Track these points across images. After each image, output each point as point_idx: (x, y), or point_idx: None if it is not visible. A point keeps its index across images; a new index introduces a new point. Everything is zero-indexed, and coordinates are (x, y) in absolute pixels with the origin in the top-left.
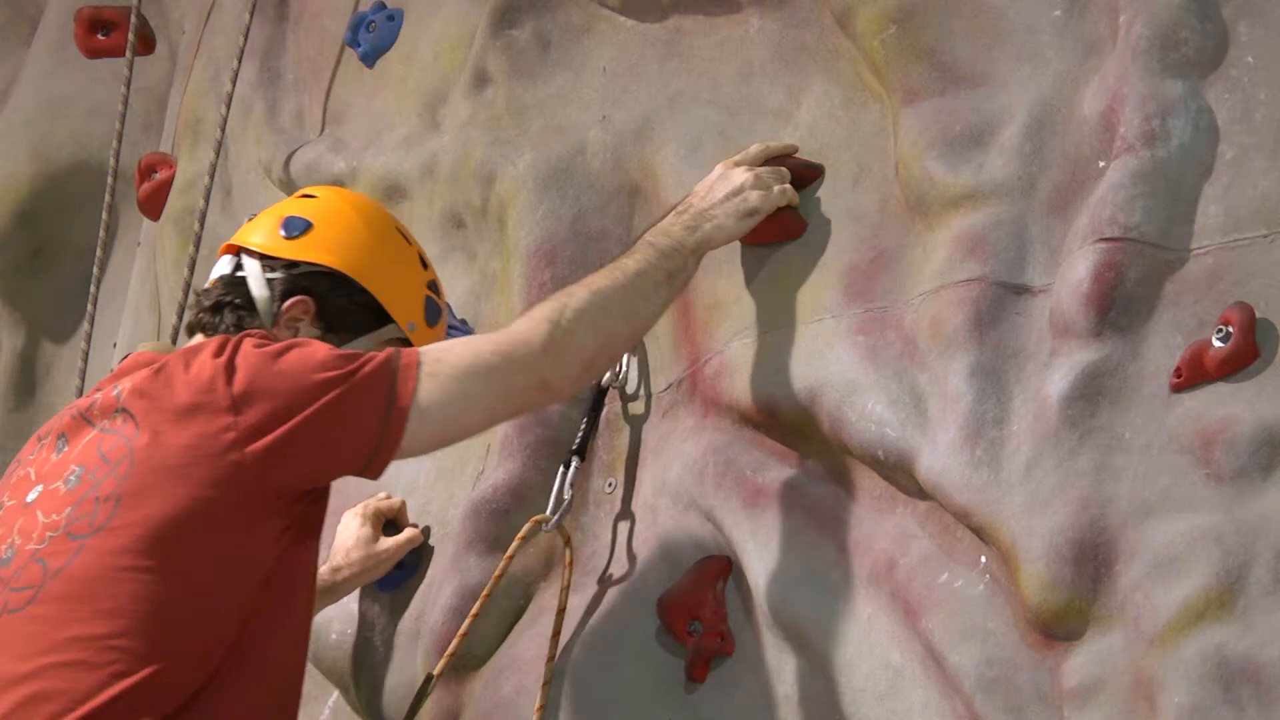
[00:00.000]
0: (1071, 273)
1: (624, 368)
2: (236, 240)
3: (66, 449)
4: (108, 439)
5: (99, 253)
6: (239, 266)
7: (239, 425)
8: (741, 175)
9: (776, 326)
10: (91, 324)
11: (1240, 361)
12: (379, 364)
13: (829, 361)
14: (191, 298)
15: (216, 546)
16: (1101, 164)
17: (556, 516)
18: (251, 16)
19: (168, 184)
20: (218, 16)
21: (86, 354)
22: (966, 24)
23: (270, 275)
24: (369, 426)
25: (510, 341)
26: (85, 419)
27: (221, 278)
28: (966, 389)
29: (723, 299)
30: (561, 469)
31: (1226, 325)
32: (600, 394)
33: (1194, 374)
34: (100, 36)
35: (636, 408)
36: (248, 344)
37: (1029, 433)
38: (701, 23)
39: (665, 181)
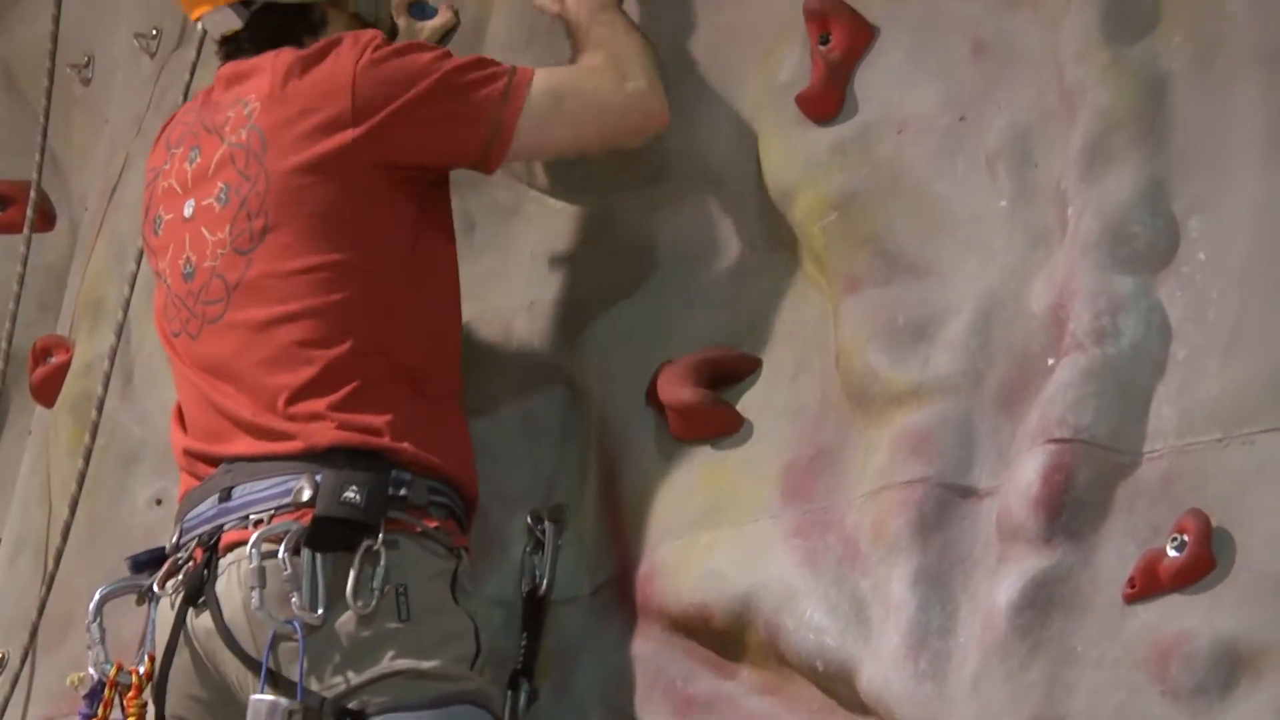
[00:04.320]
0: (1020, 475)
1: (547, 571)
2: None
3: (200, 161)
4: (239, 154)
5: None
6: None
7: (356, 107)
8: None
9: (710, 527)
10: None
11: (1196, 572)
12: (499, 67)
13: (765, 565)
14: None
15: (360, 233)
16: (1051, 361)
17: None
18: None
19: (64, 368)
20: (122, 192)
21: None
22: (910, 212)
23: None
24: (485, 112)
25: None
26: (216, 133)
27: None
28: (910, 596)
29: (654, 497)
30: (510, 693)
31: (1181, 534)
32: (537, 606)
33: (1148, 584)
34: None
35: (564, 611)
36: (368, 41)
37: (976, 643)
38: (634, 205)
39: (594, 375)
